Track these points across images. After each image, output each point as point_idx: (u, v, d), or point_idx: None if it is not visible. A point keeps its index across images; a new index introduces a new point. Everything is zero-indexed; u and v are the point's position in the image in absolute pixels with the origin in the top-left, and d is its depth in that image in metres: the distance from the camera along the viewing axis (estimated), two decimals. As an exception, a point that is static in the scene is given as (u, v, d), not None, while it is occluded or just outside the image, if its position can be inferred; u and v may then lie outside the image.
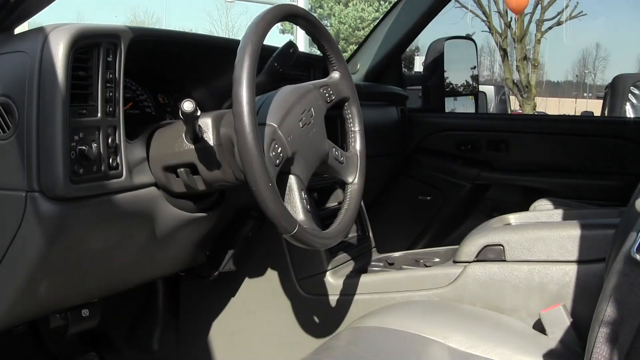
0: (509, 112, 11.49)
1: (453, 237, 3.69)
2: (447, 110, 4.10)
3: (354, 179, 1.98)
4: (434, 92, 4.03)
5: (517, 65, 19.14)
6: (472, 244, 2.13)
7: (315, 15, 2.05)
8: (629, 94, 8.46)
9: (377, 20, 3.72)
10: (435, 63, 4.02)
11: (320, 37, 1.92)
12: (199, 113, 1.55)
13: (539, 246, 2.02)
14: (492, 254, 2.10)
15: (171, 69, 2.09)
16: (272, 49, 1.99)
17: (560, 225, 2.13)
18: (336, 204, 2.57)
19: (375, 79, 3.68)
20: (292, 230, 1.56)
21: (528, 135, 3.62)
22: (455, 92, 4.24)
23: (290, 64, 2.01)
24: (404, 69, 4.28)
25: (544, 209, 2.55)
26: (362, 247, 2.57)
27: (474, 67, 4.36)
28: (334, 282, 2.27)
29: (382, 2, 33.13)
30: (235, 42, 1.75)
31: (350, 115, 2.03)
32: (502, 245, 2.09)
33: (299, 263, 2.32)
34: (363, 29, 32.93)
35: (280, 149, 1.58)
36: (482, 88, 10.90)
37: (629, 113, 8.31)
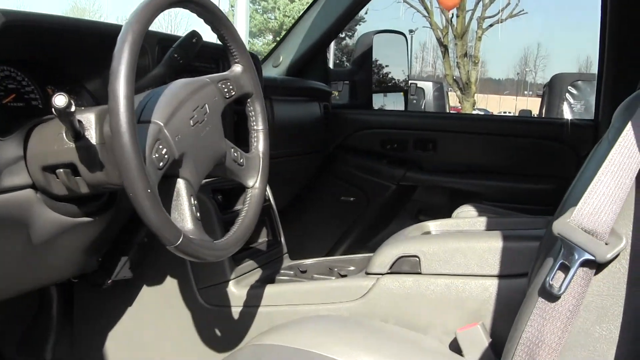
0: (447, 108, 11.38)
1: (376, 241, 3.49)
2: (376, 107, 3.93)
3: (254, 183, 1.84)
4: (361, 87, 3.88)
5: (457, 62, 19.22)
6: (386, 255, 2.00)
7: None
8: (566, 94, 8.45)
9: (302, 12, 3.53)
10: (363, 57, 3.87)
11: (218, 26, 1.75)
12: (72, 108, 1.41)
13: (458, 258, 1.90)
14: (407, 266, 1.97)
15: (64, 58, 1.93)
16: (175, 38, 1.86)
17: (482, 236, 2.02)
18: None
19: (298, 72, 3.54)
20: (176, 241, 1.42)
21: (458, 135, 3.49)
22: (384, 89, 4.05)
23: (192, 56, 1.90)
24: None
25: (467, 216, 2.41)
26: (272, 254, 2.44)
27: (405, 63, 4.18)
28: (237, 292, 2.14)
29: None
30: None
31: (253, 113, 1.88)
32: (417, 257, 1.96)
33: (199, 271, 2.17)
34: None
35: (165, 150, 1.44)
36: (420, 84, 10.94)
37: (566, 112, 8.30)
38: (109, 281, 2.09)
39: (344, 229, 3.64)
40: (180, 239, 1.42)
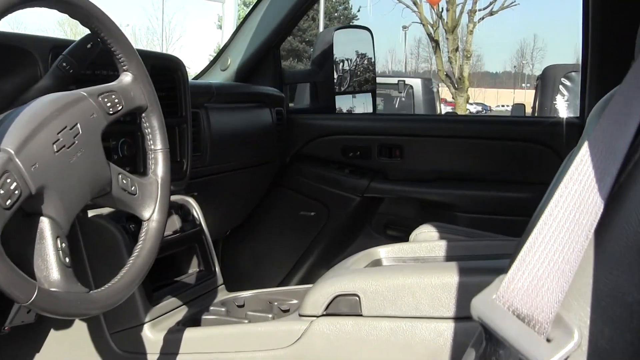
0: (438, 106, 11.05)
1: (339, 260, 3.19)
2: (342, 111, 3.59)
3: (151, 215, 1.57)
4: (322, 89, 3.55)
5: (449, 57, 18.97)
6: (321, 293, 1.75)
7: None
8: (560, 85, 8.12)
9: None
10: (324, 56, 3.55)
11: (97, 27, 1.49)
12: None
13: (406, 297, 1.66)
14: (345, 307, 1.73)
15: None
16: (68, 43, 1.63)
17: (435, 269, 1.74)
18: (171, 232, 2.18)
19: (248, 76, 3.24)
20: (28, 298, 1.19)
21: (427, 139, 3.17)
22: (348, 90, 3.70)
23: (85, 64, 1.65)
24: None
25: (426, 238, 2.18)
26: (203, 287, 2.24)
27: (371, 60, 3.83)
28: (152, 337, 1.94)
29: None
30: (17, 37, 1.66)
31: (149, 130, 1.62)
32: (357, 295, 1.71)
33: (112, 313, 1.84)
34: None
35: (14, 184, 1.21)
36: (408, 81, 10.62)
37: (560, 105, 7.96)
38: (6, 328, 1.84)
39: (304, 247, 3.35)
40: (35, 295, 1.19)
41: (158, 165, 1.60)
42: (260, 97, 3.07)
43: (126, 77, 1.55)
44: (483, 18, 20.28)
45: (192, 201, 2.34)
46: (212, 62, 3.27)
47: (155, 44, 46.49)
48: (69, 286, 1.29)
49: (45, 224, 1.28)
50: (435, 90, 10.90)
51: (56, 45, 1.80)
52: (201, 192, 2.61)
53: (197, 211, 2.33)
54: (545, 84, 8.56)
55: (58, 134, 1.32)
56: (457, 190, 3.06)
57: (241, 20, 3.26)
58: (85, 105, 1.43)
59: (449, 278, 1.62)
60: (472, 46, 19.86)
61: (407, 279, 1.66)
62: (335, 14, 35.90)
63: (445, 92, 17.06)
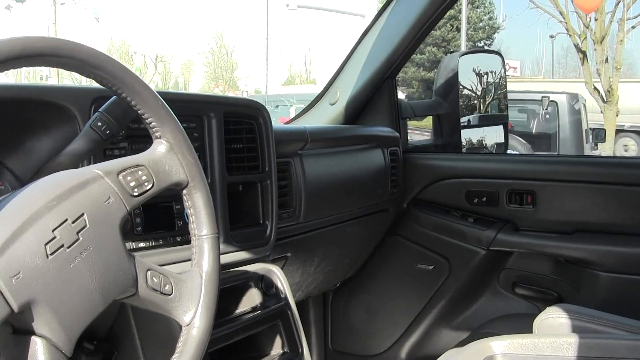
0: (585, 123, 10.39)
1: (463, 320, 2.92)
2: (466, 147, 3.20)
3: (191, 319, 1.24)
4: (446, 123, 3.15)
5: (597, 69, 18.11)
6: None
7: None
8: None
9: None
10: (448, 85, 3.18)
11: (122, 88, 1.18)
12: None
13: None
14: None
15: None
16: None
17: None
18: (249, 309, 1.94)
19: (359, 110, 2.89)
20: None
21: (564, 185, 2.71)
22: (476, 123, 3.30)
23: (126, 124, 1.40)
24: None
25: (552, 327, 1.83)
26: None
27: (502, 88, 3.42)
28: None
29: None
30: (49, 90, 1.46)
31: (192, 211, 1.29)
32: None
33: None
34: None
35: None
36: (553, 97, 10.06)
37: None
38: None
39: (422, 304, 2.97)
40: None
41: (203, 255, 1.29)
42: (368, 139, 2.71)
43: (159, 147, 1.24)
44: (634, 27, 19.29)
45: (276, 270, 2.02)
46: (320, 95, 2.94)
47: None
48: None
49: (37, 345, 1.01)
50: (581, 105, 10.23)
51: (100, 97, 1.51)
52: (296, 252, 2.28)
53: (282, 282, 2.01)
54: None
55: (54, 230, 1.03)
56: (599, 245, 2.61)
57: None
58: (97, 188, 1.12)
59: None
60: (622, 56, 18.91)
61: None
62: (480, 24, 35.18)
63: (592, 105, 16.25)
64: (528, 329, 1.93)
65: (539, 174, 2.74)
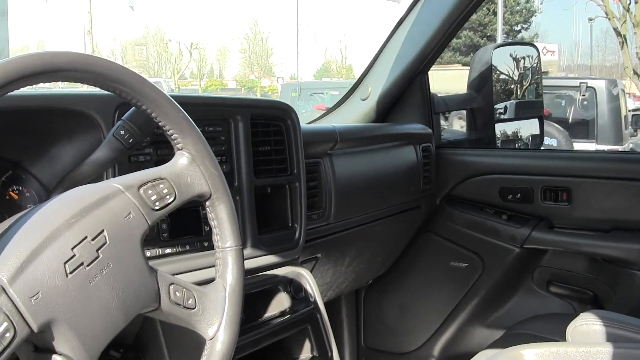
0: (624, 107, 10.22)
1: (496, 319, 2.88)
2: (501, 140, 3.15)
3: (215, 333, 1.22)
4: (480, 117, 3.10)
5: (637, 52, 17.92)
6: None
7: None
8: None
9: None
10: (482, 78, 3.13)
11: (142, 100, 1.16)
12: None
13: None
14: None
15: None
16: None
17: None
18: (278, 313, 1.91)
19: (391, 105, 2.85)
20: None
21: (601, 181, 2.65)
22: (511, 114, 3.25)
23: (150, 131, 1.36)
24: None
25: (585, 334, 1.76)
26: None
27: (537, 81, 3.36)
28: None
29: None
30: (72, 98, 1.45)
31: (215, 223, 1.27)
32: None
33: None
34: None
35: (5, 324, 0.93)
36: (591, 83, 9.92)
37: None
38: None
39: (455, 302, 2.94)
40: None
41: (227, 268, 1.26)
42: (400, 137, 2.67)
43: (181, 159, 1.22)
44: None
45: (305, 273, 1.99)
46: (352, 90, 2.90)
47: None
48: None
49: None
50: (619, 90, 10.07)
51: (123, 104, 1.49)
52: (326, 253, 2.26)
53: (311, 285, 1.98)
54: None
55: (73, 248, 1.02)
56: (637, 244, 2.55)
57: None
58: (117, 204, 1.10)
59: None
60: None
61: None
62: (517, 7, 34.88)
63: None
64: (562, 330, 1.89)
65: (574, 170, 2.68)
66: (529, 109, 3.41)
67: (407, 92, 2.85)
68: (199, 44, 45.66)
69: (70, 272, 1.00)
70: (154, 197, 1.15)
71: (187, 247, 1.66)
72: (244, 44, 49.04)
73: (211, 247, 1.66)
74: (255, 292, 1.82)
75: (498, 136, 3.18)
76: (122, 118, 1.34)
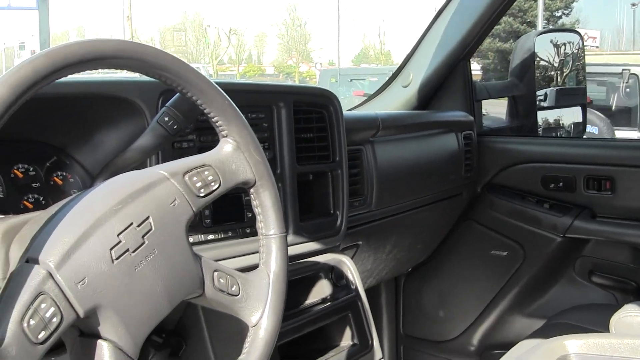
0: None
1: (536, 308, 2.85)
2: (542, 128, 3.12)
3: (258, 320, 1.23)
4: (522, 104, 3.08)
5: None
6: None
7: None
8: None
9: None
10: (524, 66, 3.10)
11: (187, 87, 1.16)
12: None
13: None
14: None
15: (37, 125, 1.48)
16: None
17: None
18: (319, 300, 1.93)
19: (433, 92, 2.83)
20: None
21: None
22: (552, 104, 3.22)
23: (194, 118, 1.37)
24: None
25: (630, 327, 1.76)
26: None
27: (581, 68, 3.33)
28: None
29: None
30: (116, 85, 1.46)
31: (259, 210, 1.27)
32: None
33: None
34: None
35: (52, 309, 0.94)
36: (634, 70, 9.79)
37: None
38: None
39: (495, 291, 2.92)
40: None
41: (271, 255, 1.27)
42: (442, 125, 2.66)
43: (226, 146, 1.22)
44: None
45: (347, 261, 2.00)
46: (393, 77, 2.89)
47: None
48: None
49: (104, 349, 1.01)
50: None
51: (167, 90, 1.50)
52: (367, 240, 2.26)
53: (352, 273, 1.98)
54: None
55: (119, 234, 1.03)
56: None
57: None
58: (162, 191, 1.11)
59: None
60: None
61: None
62: (558, -7, 34.48)
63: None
64: (604, 321, 1.88)
65: (618, 159, 2.65)
66: (572, 96, 3.38)
67: (449, 79, 2.83)
68: (238, 30, 45.80)
69: (116, 258, 1.01)
70: (199, 184, 1.15)
71: (230, 234, 1.67)
72: (282, 30, 49.15)
73: (253, 233, 1.68)
74: (296, 279, 1.82)
75: (540, 124, 3.15)
76: (166, 105, 1.34)
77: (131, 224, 1.04)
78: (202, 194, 1.15)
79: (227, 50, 45.50)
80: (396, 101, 2.81)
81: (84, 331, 1.02)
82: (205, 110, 1.18)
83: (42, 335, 0.91)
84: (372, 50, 48.16)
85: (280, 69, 45.95)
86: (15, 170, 1.44)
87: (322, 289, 1.92)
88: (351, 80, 15.27)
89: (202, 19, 46.62)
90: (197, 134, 1.60)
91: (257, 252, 1.29)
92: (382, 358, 1.98)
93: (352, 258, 2.11)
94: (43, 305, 0.92)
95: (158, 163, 1.46)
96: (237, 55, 46.44)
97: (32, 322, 0.91)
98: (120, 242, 1.02)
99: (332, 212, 1.96)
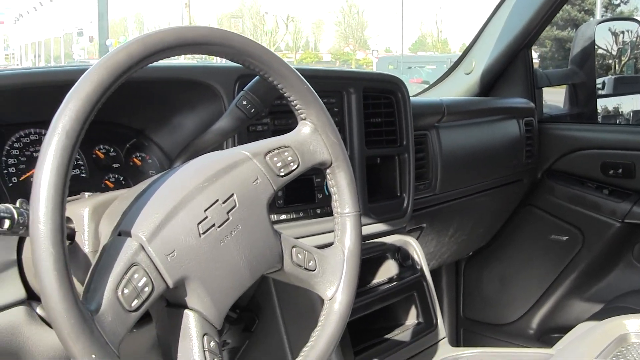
0: None
1: (595, 293, 2.88)
2: (602, 115, 3.15)
3: (334, 294, 1.29)
4: (582, 92, 3.10)
5: None
6: None
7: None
8: None
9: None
10: (584, 54, 3.12)
11: (269, 72, 1.22)
12: (21, 230, 1.00)
13: None
14: None
15: (118, 108, 1.48)
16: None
17: None
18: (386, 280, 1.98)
19: (494, 80, 2.87)
20: None
21: None
22: (610, 92, 3.24)
23: (271, 102, 1.43)
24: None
25: None
26: (421, 343, 1.96)
27: (638, 56, 3.34)
28: None
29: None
30: (195, 70, 1.53)
31: (335, 189, 1.33)
32: None
33: None
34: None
35: (144, 279, 1.00)
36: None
37: None
38: None
39: (554, 275, 2.95)
40: None
41: (346, 232, 1.32)
42: (504, 111, 2.71)
43: (304, 128, 1.29)
44: None
45: (412, 242, 2.06)
46: (456, 64, 2.94)
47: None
48: None
49: (189, 318, 1.07)
50: None
51: (243, 75, 1.57)
52: (431, 223, 2.32)
53: (418, 253, 2.04)
54: None
55: (206, 210, 1.09)
56: None
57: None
58: (245, 170, 1.18)
59: None
60: None
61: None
62: (617, -20, 33.86)
63: None
64: (664, 305, 1.92)
65: None
66: (632, 84, 3.39)
67: (511, 67, 2.87)
68: (295, 17, 45.77)
69: (203, 233, 1.07)
70: (279, 164, 1.22)
71: (301, 214, 1.74)
72: (339, 17, 48.99)
73: (324, 214, 1.75)
74: (364, 259, 1.86)
75: (599, 111, 3.17)
76: (244, 89, 1.41)
77: (217, 200, 1.10)
78: (282, 174, 1.22)
79: (285, 37, 45.57)
80: (459, 88, 2.86)
81: (171, 302, 1.08)
82: (285, 94, 1.24)
83: (135, 303, 0.97)
84: (429, 38, 47.88)
85: (337, 56, 45.87)
86: (96, 151, 1.51)
87: (388, 269, 1.98)
88: (410, 67, 15.24)
89: (259, 6, 46.69)
90: (272, 118, 1.67)
91: (327, 232, 1.35)
92: (445, 337, 2.03)
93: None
94: (136, 276, 0.99)
95: (234, 145, 1.53)
96: (294, 42, 46.51)
97: (125, 291, 0.97)
98: (207, 217, 1.08)
99: (398, 194, 2.02)
